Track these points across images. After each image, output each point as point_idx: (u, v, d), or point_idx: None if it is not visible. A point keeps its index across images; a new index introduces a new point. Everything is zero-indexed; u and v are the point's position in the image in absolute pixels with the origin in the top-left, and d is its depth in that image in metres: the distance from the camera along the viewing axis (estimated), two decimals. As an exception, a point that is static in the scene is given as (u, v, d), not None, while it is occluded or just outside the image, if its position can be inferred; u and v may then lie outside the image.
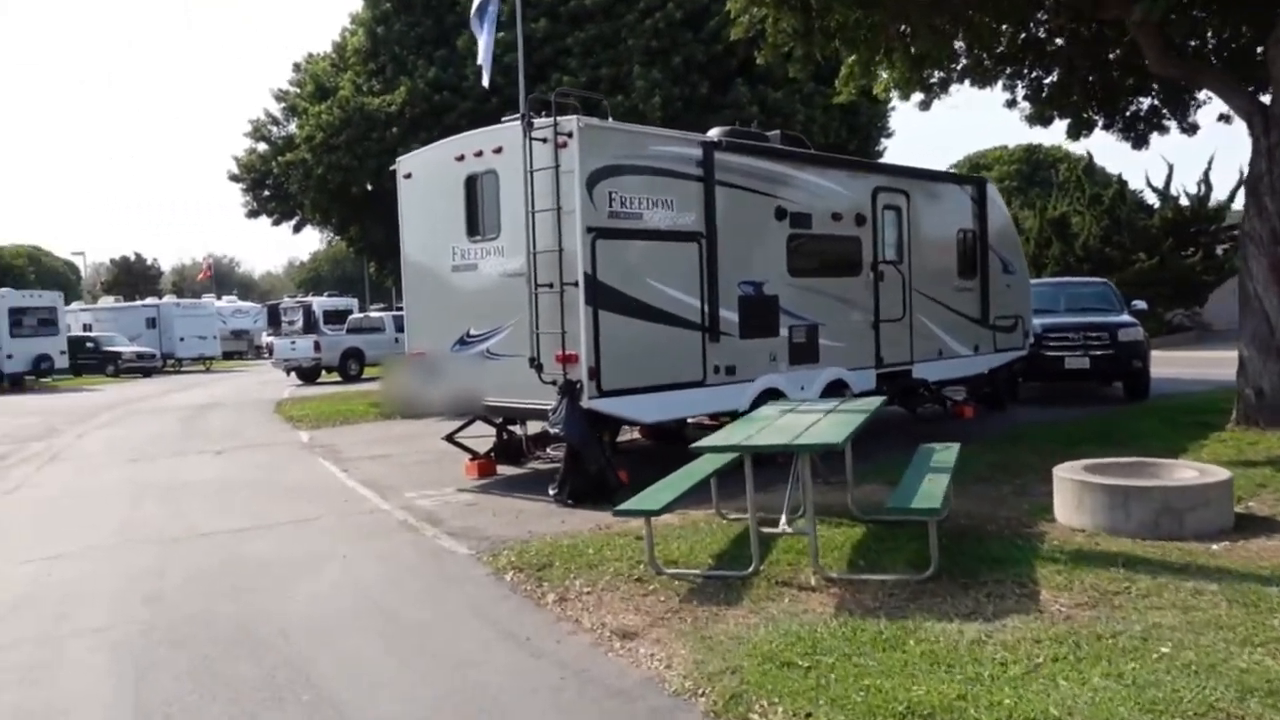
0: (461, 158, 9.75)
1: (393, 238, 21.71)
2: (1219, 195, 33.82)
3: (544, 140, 8.74)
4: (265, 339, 39.83)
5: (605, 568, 6.26)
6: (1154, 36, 11.29)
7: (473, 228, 9.73)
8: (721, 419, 10.70)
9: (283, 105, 22.04)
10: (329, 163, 19.43)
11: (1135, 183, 35.90)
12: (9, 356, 30.92)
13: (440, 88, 19.83)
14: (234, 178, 21.84)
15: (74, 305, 47.34)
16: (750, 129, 11.73)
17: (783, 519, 6.01)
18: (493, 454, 10.93)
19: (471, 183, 9.69)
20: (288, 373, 28.65)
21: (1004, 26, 13.84)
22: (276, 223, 22.95)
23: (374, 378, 27.38)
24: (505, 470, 10.87)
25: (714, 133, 10.03)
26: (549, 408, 8.72)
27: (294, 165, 20.20)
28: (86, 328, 41.84)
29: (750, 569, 5.71)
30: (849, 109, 21.28)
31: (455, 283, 9.98)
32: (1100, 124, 15.69)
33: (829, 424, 5.89)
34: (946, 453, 6.75)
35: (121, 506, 9.73)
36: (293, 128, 21.58)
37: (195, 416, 19.54)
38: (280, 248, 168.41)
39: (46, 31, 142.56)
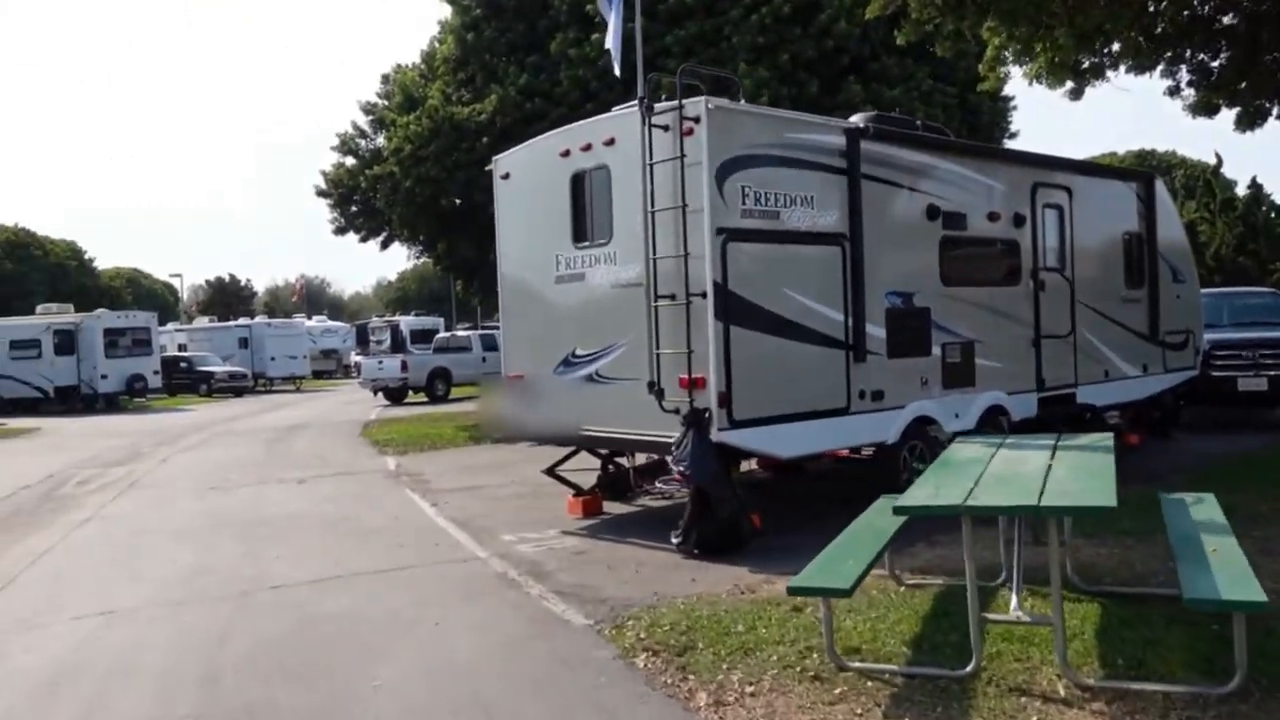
0: (567, 153, 8.55)
1: (481, 254, 20.87)
2: (1369, 198, 30.89)
3: (665, 127, 7.47)
4: (354, 358, 39.58)
5: (765, 653, 4.89)
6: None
7: (580, 232, 8.51)
8: (859, 452, 9.28)
9: (370, 118, 21.31)
10: (417, 175, 18.50)
11: (1270, 185, 32.88)
12: (104, 376, 30.99)
13: (532, 94, 18.80)
14: (321, 193, 21.18)
15: (169, 326, 47.95)
16: (895, 114, 10.29)
17: (1012, 601, 4.57)
18: (598, 489, 9.66)
19: (579, 181, 8.47)
20: (375, 393, 28.09)
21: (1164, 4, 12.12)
22: (364, 239, 22.16)
23: (461, 398, 26.64)
24: (612, 508, 9.59)
25: (857, 119, 8.64)
26: (670, 441, 7.41)
27: (381, 179, 19.36)
28: (181, 348, 42.19)
29: (969, 668, 4.28)
30: (970, 107, 19.61)
31: (559, 296, 8.77)
32: (1276, 113, 13.83)
33: (1070, 472, 4.43)
34: (1205, 507, 5.21)
35: (192, 548, 8.72)
36: (380, 140, 20.79)
37: (281, 439, 18.79)
38: (370, 268, 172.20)
39: (153, 51, 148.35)
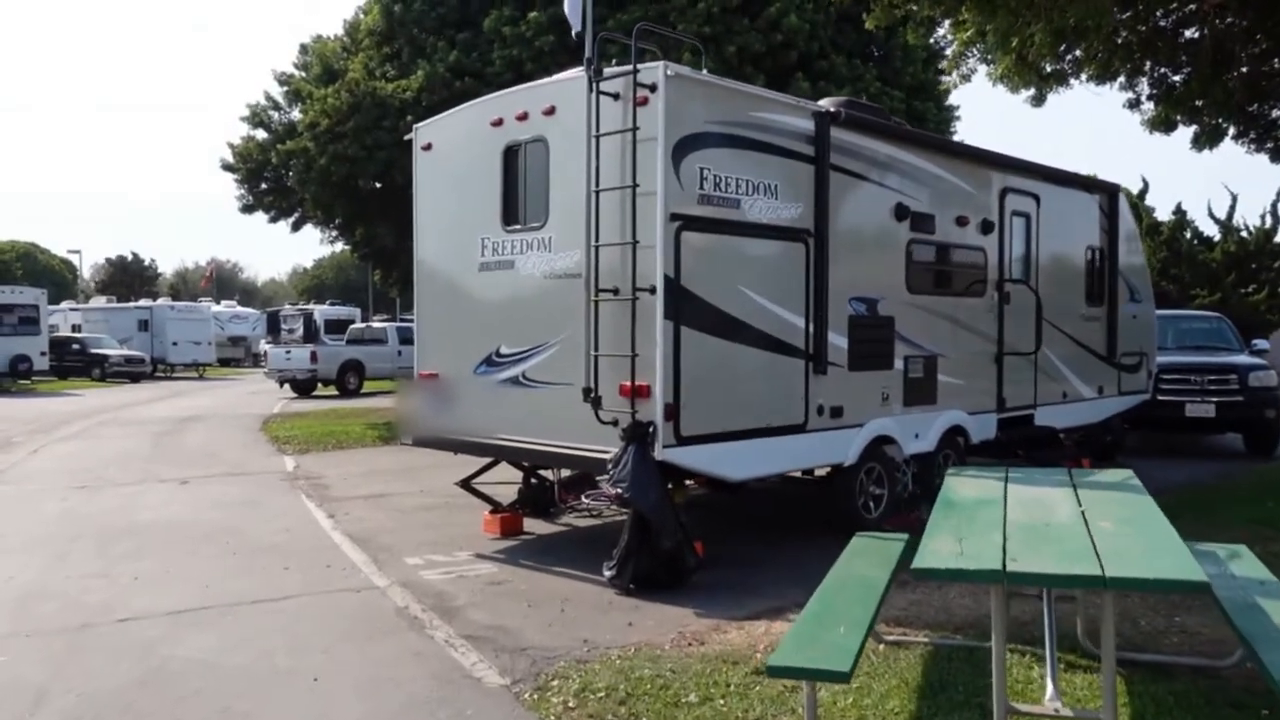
0: (500, 122, 7.47)
1: (401, 241, 19.53)
2: (1287, 229, 31.52)
3: (616, 96, 6.47)
4: (263, 346, 37.65)
5: (726, 736, 3.92)
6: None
7: (511, 214, 7.45)
8: (812, 471, 8.42)
9: (285, 89, 19.79)
10: (333, 152, 17.12)
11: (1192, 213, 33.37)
12: (-17, 356, 28.66)
13: (462, 73, 17.60)
14: (228, 167, 19.56)
15: (63, 305, 45.07)
16: (865, 101, 9.46)
17: (1047, 688, 3.65)
18: (519, 506, 8.60)
19: (512, 155, 7.41)
20: (281, 384, 26.46)
21: (1128, 15, 11.55)
22: (274, 219, 20.58)
23: (374, 393, 25.24)
24: (534, 526, 8.54)
25: (827, 103, 7.76)
26: (607, 457, 6.40)
27: (294, 155, 17.90)
28: (75, 328, 39.56)
29: (990, 771, 3.37)
30: (916, 114, 19.06)
31: (483, 286, 7.69)
32: (1231, 133, 13.47)
33: (1119, 526, 3.55)
34: (1245, 563, 4.41)
35: (35, 563, 7.38)
36: (295, 114, 19.30)
37: (172, 432, 17.19)
38: (286, 254, 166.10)
39: (42, 17, 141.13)
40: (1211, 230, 33.16)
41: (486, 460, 8.28)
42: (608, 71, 6.51)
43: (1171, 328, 14.85)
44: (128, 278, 63.07)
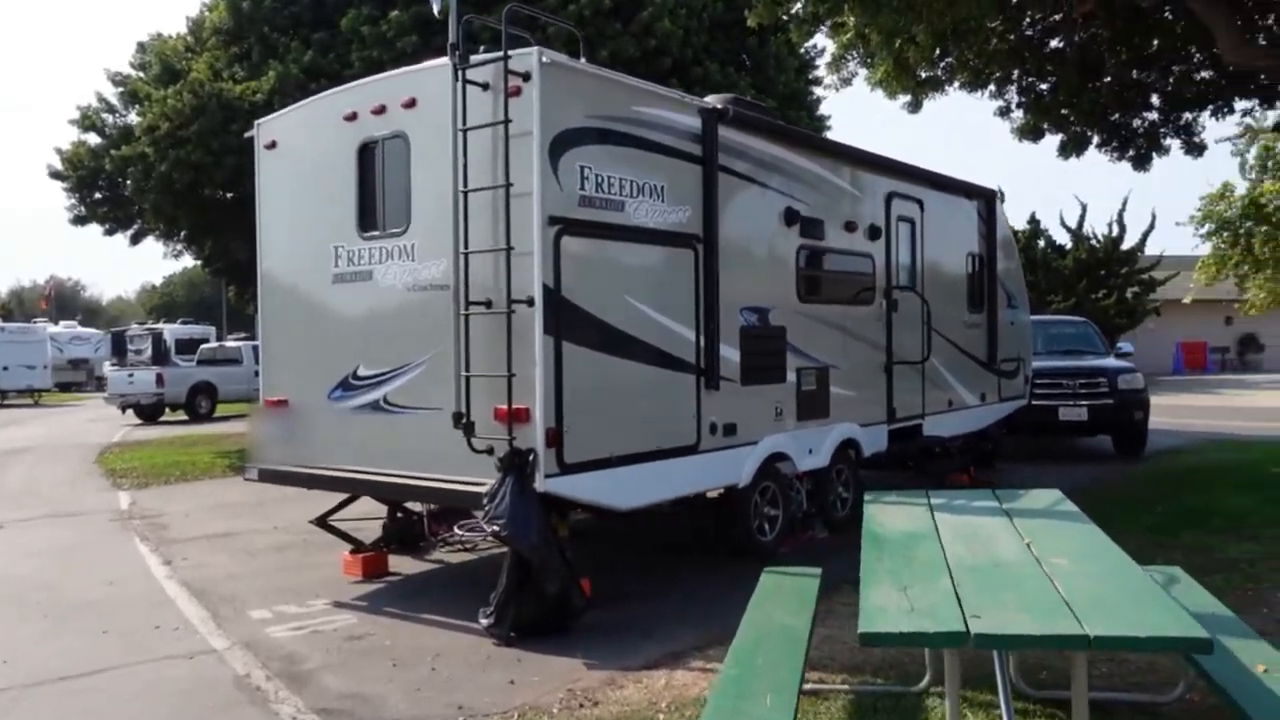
0: (353, 116, 6.66)
1: (255, 255, 18.20)
2: (1131, 237, 33.23)
3: (485, 85, 5.78)
4: (106, 369, 34.98)
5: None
6: (1232, 18, 9.17)
7: (367, 219, 6.64)
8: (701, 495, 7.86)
9: (121, 90, 18.17)
10: (175, 158, 15.71)
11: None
12: None
13: (317, 75, 16.43)
14: (56, 175, 17.80)
15: (-125, 327, 40.87)
16: (752, 100, 9.02)
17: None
18: (384, 543, 7.75)
19: (367, 153, 6.61)
20: (123, 410, 24.46)
21: (997, 24, 11.58)
22: (110, 231, 18.85)
23: (228, 416, 23.60)
24: (401, 564, 7.71)
25: (714, 99, 7.25)
26: (482, 490, 5.68)
27: (131, 161, 16.39)
28: (-110, 353, 35.87)
29: None
30: (789, 122, 18.94)
31: (338, 300, 6.85)
32: (1095, 142, 13.76)
33: (1079, 565, 3.08)
34: (1186, 589, 4.05)
35: None
36: (133, 117, 17.73)
37: (-10, 467, 15.43)
38: (133, 271, 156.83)
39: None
40: (1064, 238, 34.74)
41: (344, 497, 7.40)
42: (475, 59, 5.81)
43: (1041, 333, 15.04)
44: (-48, 297, 57.89)
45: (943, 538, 3.54)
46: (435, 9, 6.03)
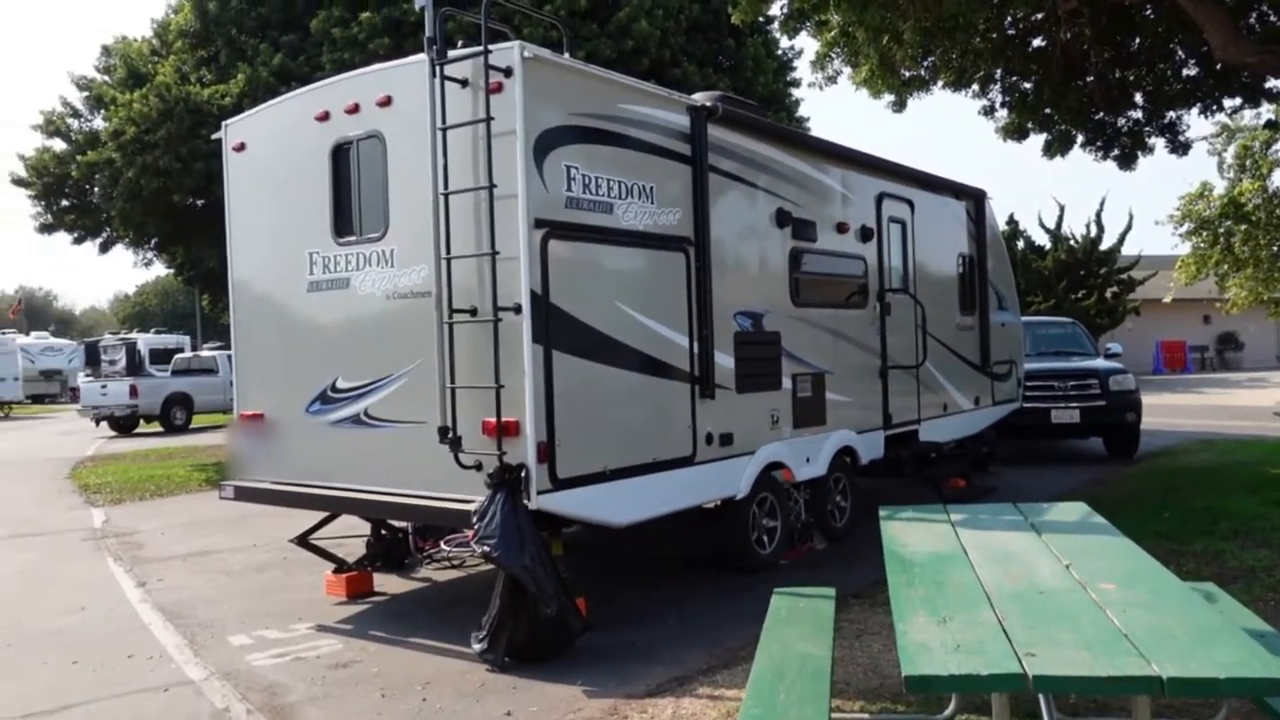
0: (326, 116, 6.36)
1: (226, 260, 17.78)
2: (1110, 238, 33.36)
3: (465, 82, 5.51)
4: (80, 380, 34.35)
5: None
6: (1223, 13, 9.02)
7: (343, 224, 6.34)
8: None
9: (86, 95, 17.72)
10: (143, 164, 15.29)
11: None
12: None
13: (287, 78, 16.04)
14: (19, 182, 17.32)
15: None
16: (740, 98, 8.76)
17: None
18: (368, 562, 7.44)
19: (342, 154, 6.31)
20: (97, 422, 23.95)
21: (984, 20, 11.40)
22: (78, 240, 18.35)
23: (204, 428, 23.16)
24: (387, 583, 7.41)
25: (702, 97, 6.99)
26: (470, 508, 5.40)
27: (98, 167, 15.96)
28: None
29: None
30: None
31: (314, 309, 6.54)
32: (1080, 141, 13.62)
33: (1127, 591, 2.85)
34: (1224, 605, 3.83)
35: None
36: (99, 121, 17.28)
37: (-44, 486, 14.95)
38: (106, 281, 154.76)
39: None
40: (1042, 239, 34.82)
41: (324, 516, 7.09)
42: (454, 54, 5.54)
43: (1030, 334, 14.92)
44: (-81, 309, 56.80)
45: (973, 559, 3.30)
46: (417, 4, 5.73)
